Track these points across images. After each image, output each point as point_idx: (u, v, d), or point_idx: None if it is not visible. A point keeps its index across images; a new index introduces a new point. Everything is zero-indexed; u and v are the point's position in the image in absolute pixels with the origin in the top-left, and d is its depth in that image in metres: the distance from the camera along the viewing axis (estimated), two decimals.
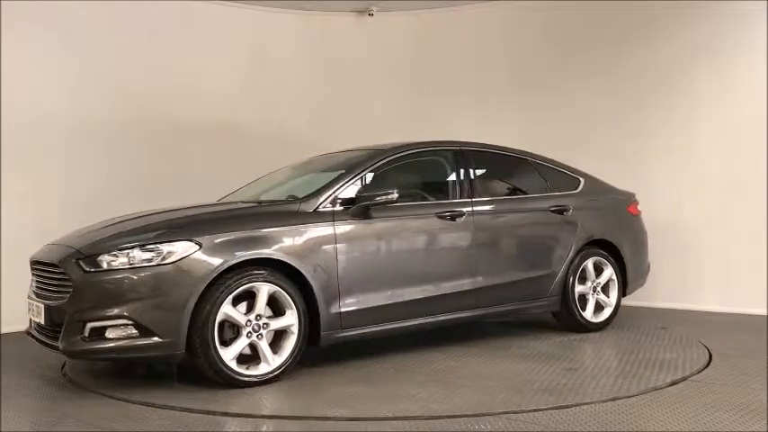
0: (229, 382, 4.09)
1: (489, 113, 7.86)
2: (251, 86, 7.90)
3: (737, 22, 6.72)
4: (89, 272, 4.04)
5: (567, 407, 3.64)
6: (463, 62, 8.19)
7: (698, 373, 4.32)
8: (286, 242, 4.31)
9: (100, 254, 4.07)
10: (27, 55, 6.64)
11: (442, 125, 7.65)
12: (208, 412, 3.68)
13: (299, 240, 4.36)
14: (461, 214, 5.07)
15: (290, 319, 4.27)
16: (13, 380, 4.55)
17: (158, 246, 4.06)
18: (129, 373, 4.68)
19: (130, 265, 4.01)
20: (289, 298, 4.27)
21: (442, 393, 3.95)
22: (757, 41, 6.52)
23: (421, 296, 4.85)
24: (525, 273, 5.36)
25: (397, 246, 4.81)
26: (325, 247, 4.44)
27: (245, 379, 4.13)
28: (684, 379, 4.16)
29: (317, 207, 4.52)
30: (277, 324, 4.25)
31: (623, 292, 5.90)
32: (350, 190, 4.70)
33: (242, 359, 4.18)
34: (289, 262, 4.28)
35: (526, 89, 7.82)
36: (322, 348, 4.54)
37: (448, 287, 4.97)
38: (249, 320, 4.16)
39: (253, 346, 4.20)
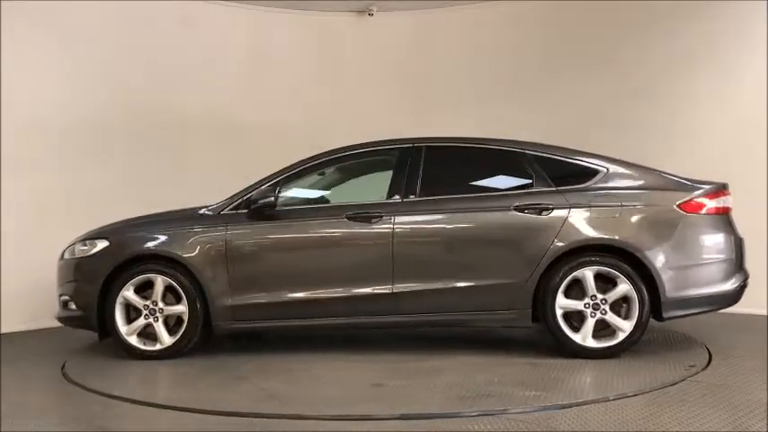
0: (129, 353, 4.95)
1: (489, 112, 7.84)
2: (251, 86, 7.91)
3: (737, 21, 6.73)
4: (62, 259, 5.27)
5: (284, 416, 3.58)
6: (463, 62, 8.19)
7: (698, 373, 4.31)
8: (182, 242, 4.96)
9: (69, 246, 5.26)
10: (27, 55, 6.63)
11: (442, 124, 7.64)
12: (206, 412, 3.69)
13: (193, 240, 4.96)
14: (379, 216, 4.86)
15: (182, 307, 4.91)
16: (13, 380, 4.55)
17: (88, 242, 5.13)
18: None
19: (75, 256, 5.16)
20: (180, 289, 4.90)
21: (221, 392, 4.11)
22: (757, 41, 6.53)
23: (318, 296, 4.86)
24: (468, 280, 4.78)
25: (293, 247, 4.98)
26: (217, 246, 4.93)
27: (140, 352, 4.93)
28: (684, 379, 4.15)
29: (221, 210, 5.05)
30: (170, 311, 4.95)
31: (658, 313, 4.68)
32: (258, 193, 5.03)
33: (152, 337, 4.97)
34: (177, 259, 4.91)
35: (526, 88, 7.83)
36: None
37: (354, 290, 4.83)
38: (146, 305, 4.93)
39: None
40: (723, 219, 4.88)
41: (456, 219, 4.89)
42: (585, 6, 7.53)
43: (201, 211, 5.12)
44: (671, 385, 4.01)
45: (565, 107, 7.57)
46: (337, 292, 4.85)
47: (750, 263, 6.44)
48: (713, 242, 4.80)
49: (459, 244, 4.88)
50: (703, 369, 4.42)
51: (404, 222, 4.86)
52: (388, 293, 4.81)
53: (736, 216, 4.99)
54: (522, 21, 7.92)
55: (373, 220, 4.86)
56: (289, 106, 7.99)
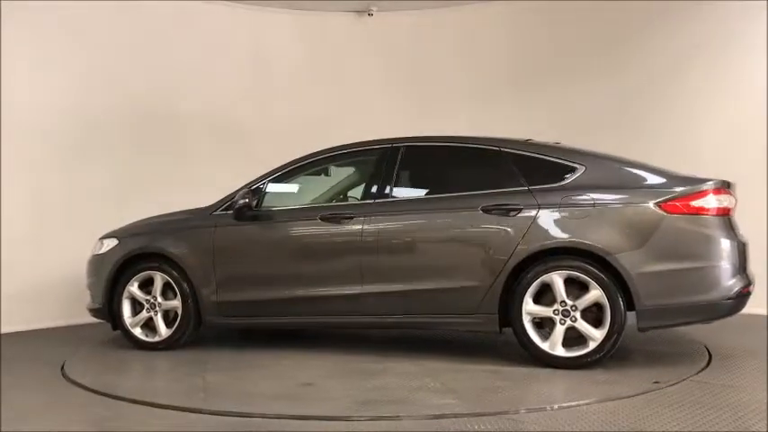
0: (134, 343, 5.30)
1: (489, 113, 7.85)
2: (251, 86, 7.91)
3: (737, 22, 6.73)
4: (90, 256, 5.59)
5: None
6: (463, 62, 8.19)
7: (698, 373, 4.31)
8: (177, 241, 5.26)
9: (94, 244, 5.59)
10: (27, 55, 6.63)
11: (442, 124, 7.64)
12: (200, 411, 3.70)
13: (186, 240, 5.26)
14: (350, 217, 4.87)
15: (176, 302, 5.20)
16: (13, 380, 4.55)
17: (104, 240, 5.52)
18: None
19: (95, 253, 5.54)
20: (175, 285, 5.18)
21: (169, 384, 4.49)
22: (757, 41, 6.53)
23: (292, 296, 4.97)
24: (431, 283, 4.65)
25: (269, 247, 5.12)
26: (205, 245, 5.19)
27: (143, 343, 5.27)
28: (684, 379, 4.15)
29: (212, 211, 5.27)
30: (167, 305, 5.24)
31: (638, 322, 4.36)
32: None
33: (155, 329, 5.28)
34: (171, 257, 5.20)
35: (526, 89, 7.82)
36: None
37: (324, 290, 4.89)
38: (148, 300, 5.25)
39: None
40: (716, 220, 4.35)
41: (423, 220, 4.82)
42: (585, 6, 7.53)
43: (199, 213, 5.35)
44: (629, 397, 3.80)
45: (565, 107, 7.56)
46: (309, 292, 4.94)
47: (750, 263, 6.42)
48: (702, 246, 4.30)
49: (425, 245, 4.78)
50: (703, 369, 4.42)
51: (373, 223, 4.83)
52: (357, 294, 4.81)
53: (735, 215, 4.66)
54: (521, 20, 7.92)
55: (344, 222, 4.88)
56: (288, 106, 7.99)
